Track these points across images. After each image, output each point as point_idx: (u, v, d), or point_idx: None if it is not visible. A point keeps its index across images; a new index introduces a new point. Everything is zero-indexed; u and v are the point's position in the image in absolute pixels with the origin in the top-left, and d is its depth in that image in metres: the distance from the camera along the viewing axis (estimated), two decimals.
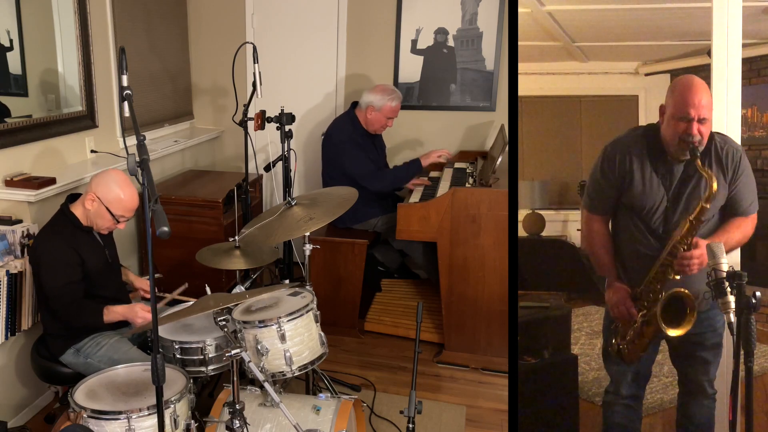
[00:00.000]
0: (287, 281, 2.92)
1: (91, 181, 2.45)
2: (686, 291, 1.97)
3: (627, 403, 2.26)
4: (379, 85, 3.81)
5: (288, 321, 2.33)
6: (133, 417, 1.94)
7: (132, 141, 1.80)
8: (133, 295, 2.77)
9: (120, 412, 1.94)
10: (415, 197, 3.57)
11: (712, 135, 2.03)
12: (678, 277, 2.00)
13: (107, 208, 2.39)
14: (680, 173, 2.04)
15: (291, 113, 3.19)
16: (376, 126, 3.78)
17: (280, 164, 3.24)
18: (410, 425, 1.99)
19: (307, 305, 2.43)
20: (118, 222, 2.44)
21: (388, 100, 3.70)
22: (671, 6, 3.07)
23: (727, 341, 2.17)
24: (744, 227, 2.06)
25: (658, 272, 2.03)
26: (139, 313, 2.40)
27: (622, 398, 2.25)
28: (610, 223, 2.23)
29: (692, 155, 1.95)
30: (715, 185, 1.92)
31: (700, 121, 1.94)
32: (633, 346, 2.11)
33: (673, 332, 1.97)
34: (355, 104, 3.83)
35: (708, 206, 1.94)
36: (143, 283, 2.73)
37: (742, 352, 1.72)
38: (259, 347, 2.29)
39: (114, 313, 2.40)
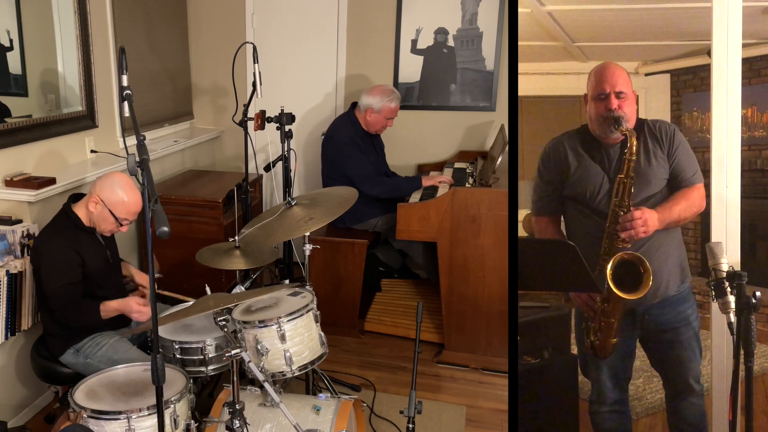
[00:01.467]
0: (287, 281, 2.92)
1: (95, 183, 2.45)
2: (634, 253, 1.97)
3: (613, 409, 2.25)
4: (377, 86, 3.81)
5: (288, 321, 2.33)
6: (133, 417, 1.94)
7: (132, 141, 1.80)
8: (133, 294, 2.77)
9: (120, 412, 1.94)
10: (415, 197, 3.57)
11: (643, 120, 2.10)
12: (628, 246, 2.00)
13: (111, 212, 2.39)
14: (617, 154, 2.07)
15: (291, 113, 3.19)
16: (377, 127, 3.78)
17: (280, 164, 3.24)
18: (410, 425, 1.99)
19: (307, 305, 2.43)
20: (121, 225, 2.44)
21: (387, 101, 3.70)
22: (671, 6, 3.06)
23: (727, 341, 2.16)
24: (690, 196, 2.07)
25: (606, 245, 2.05)
26: (134, 306, 2.40)
27: (607, 405, 2.25)
28: (562, 224, 2.26)
29: (617, 124, 1.99)
30: (634, 139, 1.97)
31: (618, 95, 2.01)
32: (602, 334, 2.11)
33: (629, 296, 1.97)
34: (354, 105, 3.83)
35: (633, 158, 1.97)
36: (143, 279, 2.73)
37: (742, 352, 1.72)
38: (259, 347, 2.29)
39: (109, 307, 2.40)
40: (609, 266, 1.98)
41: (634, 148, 1.97)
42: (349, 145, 3.66)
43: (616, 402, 2.25)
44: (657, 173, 2.08)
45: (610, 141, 2.09)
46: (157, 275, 2.62)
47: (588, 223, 2.13)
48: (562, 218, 2.29)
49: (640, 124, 2.08)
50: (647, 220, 1.97)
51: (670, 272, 2.12)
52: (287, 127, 3.17)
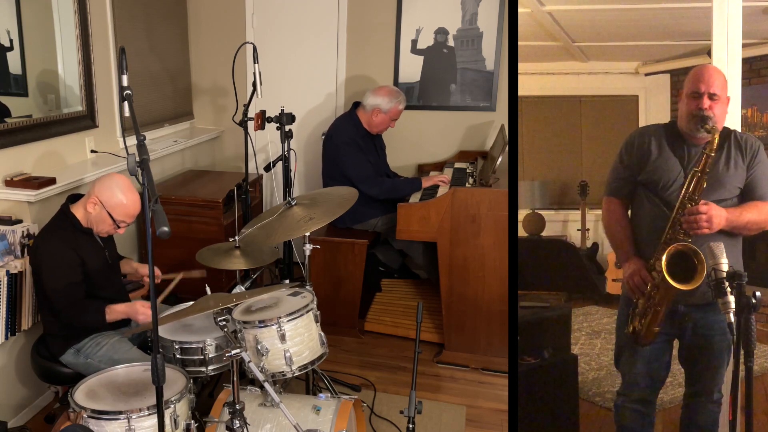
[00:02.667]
0: (287, 281, 2.92)
1: (94, 184, 2.45)
2: (691, 245, 1.98)
3: (637, 408, 2.25)
4: (383, 87, 3.81)
5: (288, 321, 2.33)
6: (133, 417, 1.94)
7: (132, 141, 1.80)
8: (133, 295, 2.77)
9: (120, 412, 1.94)
10: (415, 197, 3.57)
11: (731, 130, 2.12)
12: (689, 240, 2.01)
13: (109, 213, 2.39)
14: (698, 155, 2.08)
15: (291, 113, 3.19)
16: (381, 127, 3.79)
17: (280, 164, 3.24)
18: (410, 425, 1.99)
19: (307, 305, 2.43)
20: (119, 227, 2.44)
21: (395, 102, 3.71)
22: (671, 6, 3.06)
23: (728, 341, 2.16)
24: (761, 209, 2.08)
25: (668, 234, 2.05)
26: (140, 310, 2.40)
27: (632, 402, 2.25)
28: (629, 210, 2.28)
29: (703, 123, 2.01)
30: (716, 136, 1.97)
31: (711, 97, 2.04)
32: (647, 320, 2.11)
33: (681, 286, 1.97)
34: (356, 105, 3.83)
35: (712, 155, 1.98)
36: (147, 270, 2.72)
37: (742, 352, 1.72)
38: (259, 347, 2.29)
39: (115, 312, 2.40)
40: (664, 256, 1.99)
41: (715, 144, 1.98)
42: (350, 145, 3.66)
43: (642, 401, 2.25)
44: (732, 180, 2.09)
45: (695, 140, 2.11)
46: (171, 275, 2.64)
47: (654, 212, 2.14)
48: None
49: (728, 132, 2.10)
50: (712, 216, 1.98)
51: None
52: (287, 127, 3.17)
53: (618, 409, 2.30)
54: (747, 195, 2.11)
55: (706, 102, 2.03)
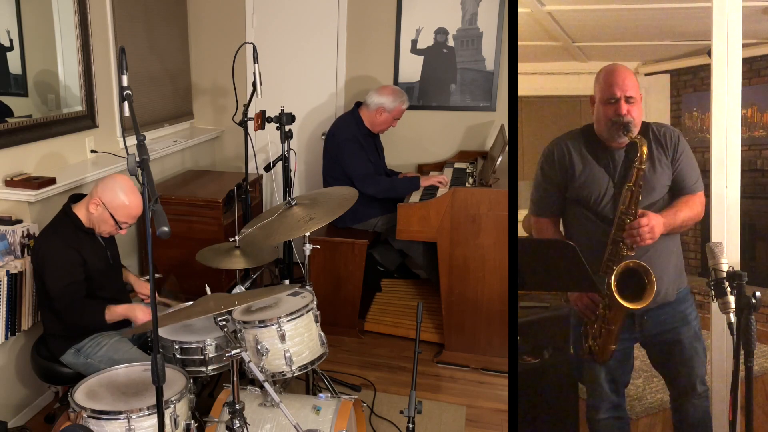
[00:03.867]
0: (287, 281, 2.92)
1: (96, 185, 2.45)
2: (639, 261, 1.97)
3: (611, 416, 2.23)
4: (386, 86, 3.82)
5: (288, 321, 2.33)
6: (133, 417, 1.94)
7: (132, 141, 1.80)
8: (133, 295, 2.77)
9: (120, 412, 1.94)
10: (415, 197, 3.57)
11: (648, 124, 2.08)
12: (633, 254, 2.00)
13: (111, 214, 2.39)
14: (622, 159, 2.06)
15: (291, 113, 3.19)
16: (384, 127, 3.79)
17: (280, 164, 3.24)
18: (410, 425, 1.99)
19: (307, 305, 2.43)
20: (121, 228, 2.44)
21: (399, 102, 3.72)
22: (671, 6, 3.06)
23: (727, 341, 2.16)
24: (692, 204, 2.07)
25: (611, 251, 2.03)
26: (140, 314, 2.40)
27: (604, 412, 2.22)
28: (561, 225, 2.24)
29: (626, 131, 1.98)
30: (645, 148, 1.95)
31: (627, 100, 1.99)
32: (601, 340, 2.09)
33: (632, 305, 1.96)
34: (359, 104, 3.83)
35: (643, 167, 1.96)
36: (143, 287, 2.73)
37: (742, 352, 1.72)
38: (259, 347, 2.29)
39: (115, 312, 2.40)
40: (614, 275, 1.97)
41: (644, 156, 1.95)
42: (352, 142, 3.66)
43: (614, 407, 2.22)
44: (661, 180, 2.07)
45: (616, 145, 2.08)
46: (157, 275, 2.63)
47: (590, 228, 2.11)
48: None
49: (645, 127, 2.07)
50: (654, 226, 1.96)
51: (671, 279, 2.11)
52: (287, 127, 3.17)
53: (591, 424, 2.26)
54: (676, 190, 2.09)
55: (624, 107, 1.99)
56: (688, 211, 2.05)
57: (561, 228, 2.25)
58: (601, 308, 2.07)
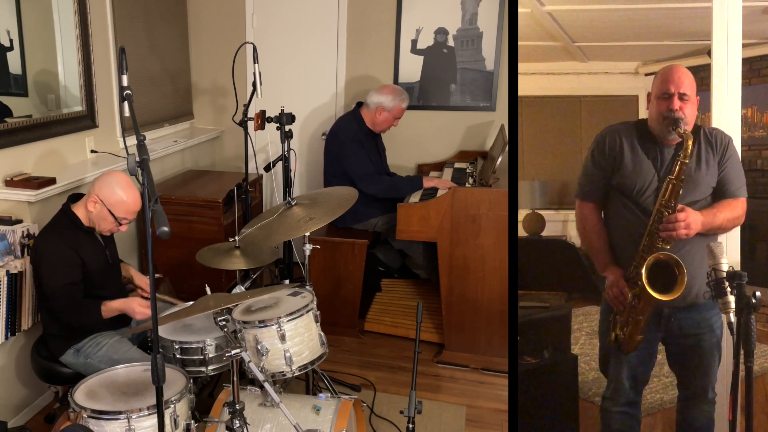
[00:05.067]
0: (287, 281, 2.92)
1: (93, 183, 2.45)
2: (671, 254, 1.98)
3: (625, 411, 2.24)
4: (386, 85, 3.82)
5: (288, 321, 2.33)
6: (133, 417, 1.94)
7: (132, 141, 1.80)
8: (133, 294, 2.77)
9: (120, 412, 1.94)
10: (415, 197, 3.57)
11: (700, 126, 2.10)
12: (668, 248, 2.00)
13: (110, 211, 2.39)
14: (671, 156, 2.07)
15: (291, 113, 3.19)
16: (384, 126, 3.79)
17: (280, 164, 3.24)
18: (410, 425, 1.99)
19: (307, 305, 2.43)
20: (120, 224, 2.44)
21: (399, 101, 3.72)
22: (671, 6, 3.06)
23: (727, 341, 2.16)
24: (733, 207, 2.08)
25: (646, 243, 2.04)
26: (136, 307, 2.40)
27: (620, 405, 2.24)
28: (602, 212, 2.26)
29: (675, 125, 2.00)
30: (690, 142, 1.97)
31: (681, 97, 2.02)
32: (629, 329, 2.11)
33: (662, 297, 1.97)
34: (360, 104, 3.83)
35: (687, 161, 1.98)
36: (143, 281, 2.73)
37: (742, 352, 1.72)
38: (259, 347, 2.29)
39: (111, 307, 2.40)
40: (645, 265, 1.98)
41: (689, 150, 1.97)
42: (353, 142, 3.66)
43: (629, 403, 2.23)
44: (706, 179, 2.08)
45: (667, 142, 2.10)
46: (156, 275, 2.62)
47: (629, 218, 2.13)
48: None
49: (697, 129, 2.09)
50: (690, 223, 1.97)
51: (703, 280, 2.11)
52: (287, 127, 3.17)
53: (605, 414, 2.29)
54: (719, 193, 2.11)
55: (677, 103, 2.02)
56: (729, 212, 2.07)
57: (602, 215, 2.26)
58: (631, 297, 2.08)
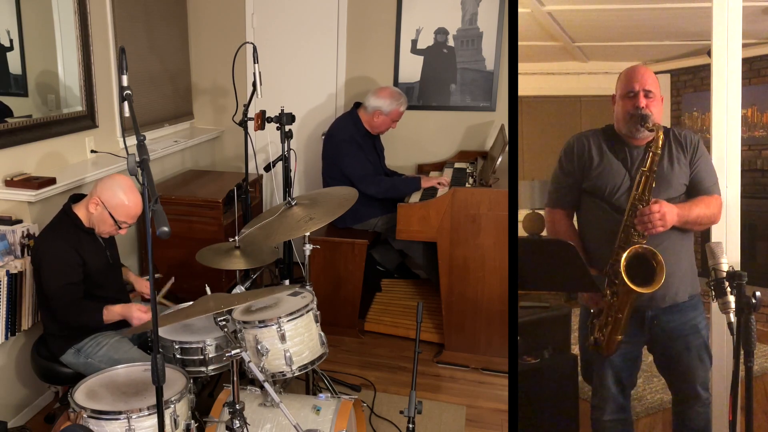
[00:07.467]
0: (287, 281, 2.92)
1: (96, 184, 2.45)
2: (650, 247, 1.98)
3: (616, 418, 2.22)
4: (384, 88, 3.81)
5: (288, 321, 2.33)
6: (133, 417, 1.94)
7: (132, 141, 1.80)
8: (133, 295, 2.77)
9: (120, 412, 1.94)
10: (415, 197, 3.57)
11: (669, 128, 2.13)
12: (644, 242, 2.01)
13: (110, 214, 2.39)
14: (640, 156, 2.08)
15: (291, 113, 3.19)
16: (382, 129, 3.79)
17: (280, 164, 3.24)
18: (410, 425, 1.99)
19: (307, 305, 2.43)
20: (120, 228, 2.44)
21: (396, 104, 3.71)
22: (671, 6, 3.07)
23: (727, 341, 2.16)
24: (708, 203, 2.09)
25: (621, 238, 2.05)
26: (136, 313, 2.40)
27: (610, 413, 2.22)
28: (575, 217, 2.27)
29: (643, 122, 2.02)
30: (661, 134, 1.98)
31: (646, 94, 2.04)
32: (608, 330, 2.09)
33: (641, 289, 1.97)
34: (358, 104, 3.83)
35: (658, 152, 1.99)
36: (143, 285, 2.74)
37: (742, 352, 1.72)
38: (259, 347, 2.29)
39: (112, 312, 2.41)
40: (623, 258, 1.98)
41: (660, 141, 1.98)
42: (350, 143, 3.66)
43: (619, 409, 2.22)
44: (678, 177, 2.09)
45: (636, 141, 2.11)
46: (157, 276, 2.63)
47: (603, 218, 2.13)
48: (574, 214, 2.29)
49: (666, 131, 2.10)
50: (665, 214, 1.98)
51: (682, 277, 2.11)
52: (287, 127, 3.17)
53: (596, 424, 2.26)
54: (693, 190, 2.12)
55: (643, 100, 2.04)
56: (703, 208, 2.07)
57: (575, 222, 2.27)
58: (609, 295, 2.07)
